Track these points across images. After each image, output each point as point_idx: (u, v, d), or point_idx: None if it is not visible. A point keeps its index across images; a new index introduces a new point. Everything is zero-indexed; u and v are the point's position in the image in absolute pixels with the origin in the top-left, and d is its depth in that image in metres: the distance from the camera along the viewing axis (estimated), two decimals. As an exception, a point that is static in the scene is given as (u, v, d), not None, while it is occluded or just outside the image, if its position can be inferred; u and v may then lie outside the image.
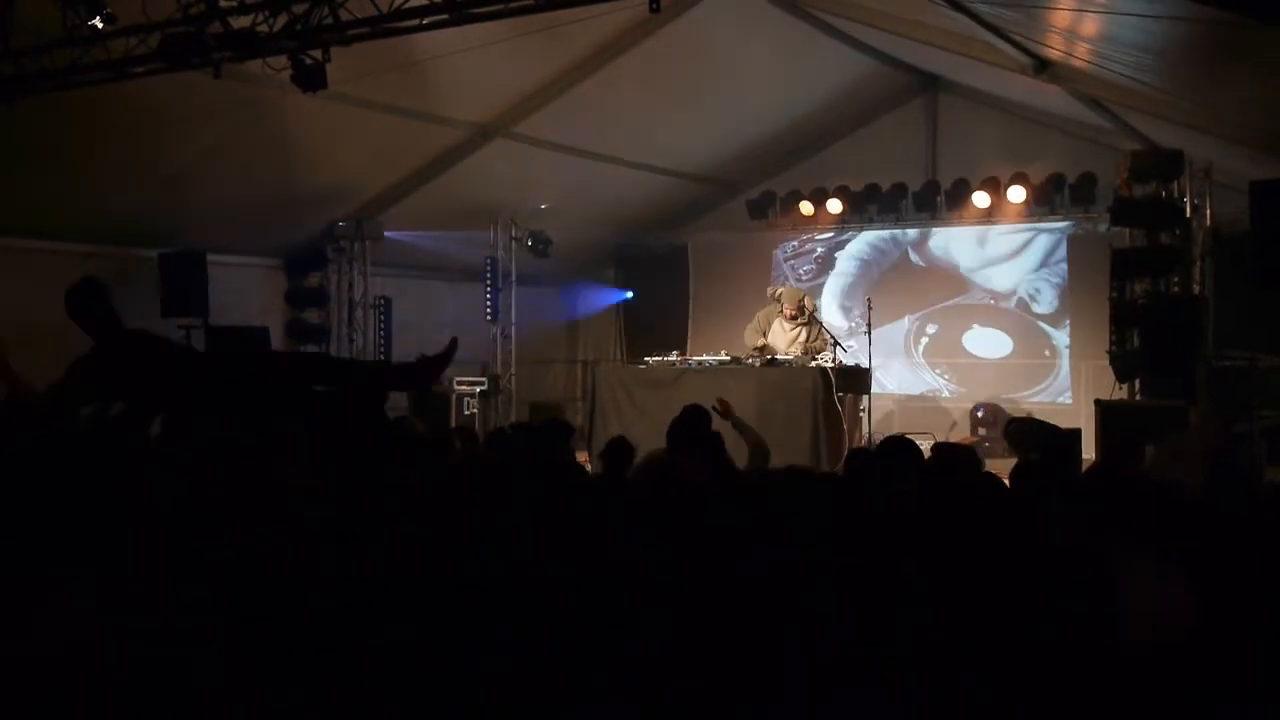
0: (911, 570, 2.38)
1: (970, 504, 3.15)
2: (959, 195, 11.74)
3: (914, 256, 12.54)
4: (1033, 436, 6.99)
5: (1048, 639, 2.25)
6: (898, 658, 2.14)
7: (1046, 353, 11.79)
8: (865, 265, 12.77)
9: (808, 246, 13.05)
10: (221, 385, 4.58)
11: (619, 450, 4.97)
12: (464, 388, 11.50)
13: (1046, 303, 11.80)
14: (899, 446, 4.04)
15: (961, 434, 11.23)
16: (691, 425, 4.88)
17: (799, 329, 9.78)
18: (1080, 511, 3.07)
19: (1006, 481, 3.48)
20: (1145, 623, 2.34)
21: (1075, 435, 7.48)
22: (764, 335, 9.84)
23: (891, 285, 12.38)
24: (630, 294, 14.18)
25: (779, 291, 10.12)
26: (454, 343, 4.94)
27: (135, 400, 4.36)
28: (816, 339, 9.74)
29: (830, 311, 12.60)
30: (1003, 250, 12.01)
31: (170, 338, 5.24)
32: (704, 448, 4.68)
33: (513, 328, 12.32)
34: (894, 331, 12.26)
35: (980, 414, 11.38)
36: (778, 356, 9.49)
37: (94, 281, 4.64)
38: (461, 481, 3.75)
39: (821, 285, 12.89)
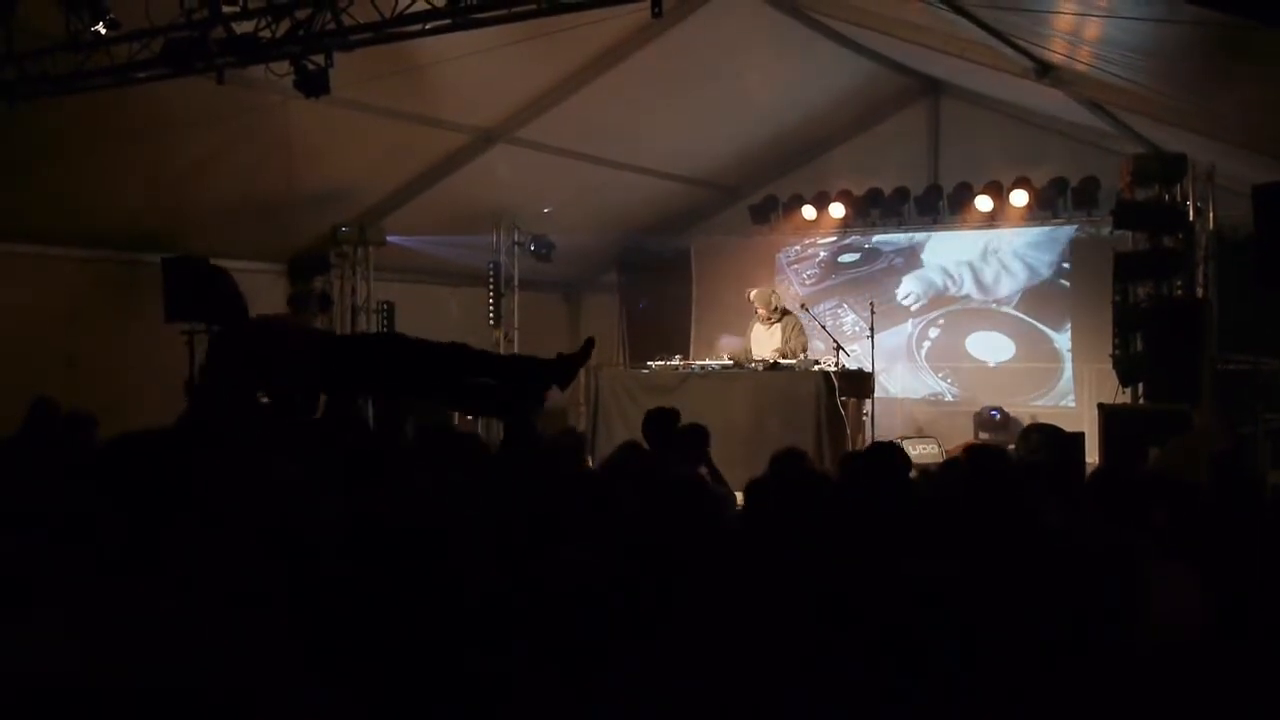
0: (913, 571, 2.38)
1: (1000, 506, 3.15)
2: (961, 199, 11.71)
3: (916, 260, 12.51)
4: (1035, 439, 6.96)
5: (1058, 639, 2.24)
6: (901, 657, 2.13)
7: (1049, 356, 11.76)
8: (869, 267, 12.75)
9: (810, 251, 13.03)
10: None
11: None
12: (466, 392, 11.45)
13: (1048, 306, 11.77)
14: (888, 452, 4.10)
15: (964, 437, 11.20)
16: (658, 426, 5.14)
17: (774, 326, 9.80)
18: (1087, 513, 3.07)
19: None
20: (1153, 624, 2.33)
21: (1079, 439, 7.45)
22: (747, 343, 9.90)
23: (894, 289, 12.36)
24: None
25: (751, 294, 10.13)
26: (590, 342, 5.12)
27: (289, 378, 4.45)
28: (795, 336, 9.72)
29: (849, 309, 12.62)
30: (1005, 254, 11.99)
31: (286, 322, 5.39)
32: (672, 450, 4.87)
33: (515, 332, 12.32)
34: (897, 335, 12.25)
35: (994, 416, 11.32)
36: (780, 361, 9.48)
37: (216, 269, 4.74)
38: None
39: (826, 289, 12.86)
